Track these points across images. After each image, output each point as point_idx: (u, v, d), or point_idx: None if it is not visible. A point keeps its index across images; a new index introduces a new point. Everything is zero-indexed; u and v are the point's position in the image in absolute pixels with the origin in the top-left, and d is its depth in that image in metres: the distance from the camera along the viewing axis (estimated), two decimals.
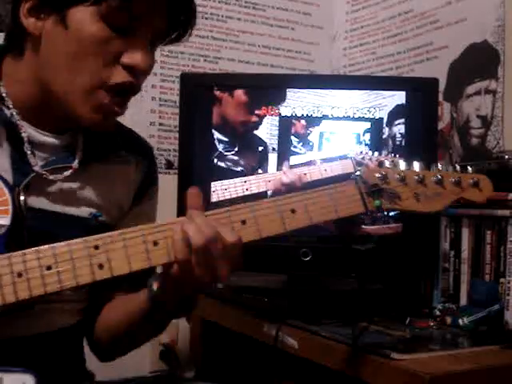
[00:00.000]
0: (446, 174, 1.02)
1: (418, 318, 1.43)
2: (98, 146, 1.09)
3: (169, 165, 2.01)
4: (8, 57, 1.03)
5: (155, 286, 0.99)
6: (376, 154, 1.52)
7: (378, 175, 1.00)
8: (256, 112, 1.53)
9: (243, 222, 0.93)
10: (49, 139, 1.03)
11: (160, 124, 2.03)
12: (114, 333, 1.11)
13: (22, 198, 0.96)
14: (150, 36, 0.98)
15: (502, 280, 1.37)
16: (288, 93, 1.54)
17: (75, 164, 1.05)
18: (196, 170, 1.55)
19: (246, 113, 1.54)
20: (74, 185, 1.05)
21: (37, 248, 0.86)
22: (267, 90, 1.56)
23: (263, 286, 1.58)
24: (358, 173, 1.00)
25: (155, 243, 0.89)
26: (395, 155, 1.52)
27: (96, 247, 0.88)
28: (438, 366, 1.11)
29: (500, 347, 1.25)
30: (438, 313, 1.45)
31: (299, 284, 1.58)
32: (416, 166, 1.02)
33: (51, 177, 1.02)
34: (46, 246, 0.87)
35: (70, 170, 1.04)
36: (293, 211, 0.95)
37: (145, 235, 0.89)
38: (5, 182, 0.94)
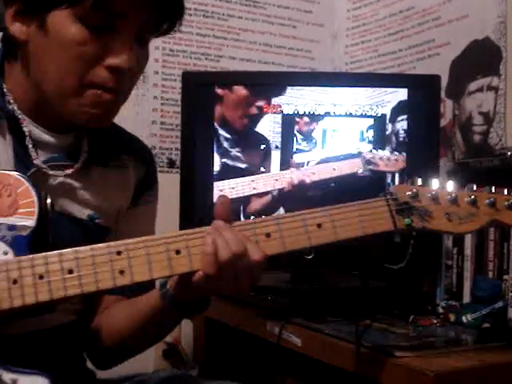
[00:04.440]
0: (480, 194, 0.99)
1: (422, 315, 1.43)
2: (101, 149, 1.09)
3: (171, 163, 2.01)
4: (7, 58, 1.04)
5: (169, 285, 0.98)
6: (387, 152, 1.51)
7: (408, 193, 0.97)
8: (257, 104, 1.53)
9: (267, 235, 0.92)
10: (50, 138, 1.03)
11: (162, 123, 2.03)
12: (121, 334, 1.09)
13: (48, 201, 0.96)
14: (135, 32, 0.96)
15: (505, 277, 1.37)
16: (291, 90, 1.54)
17: (78, 164, 1.05)
18: (198, 169, 1.55)
19: (245, 106, 1.54)
20: (74, 185, 1.05)
21: (60, 251, 0.87)
22: (269, 87, 1.57)
23: (266, 284, 1.58)
24: (389, 189, 0.98)
25: (177, 252, 0.89)
26: (399, 152, 1.52)
27: (118, 253, 0.88)
28: (442, 363, 1.11)
29: (504, 344, 1.25)
30: (441, 310, 1.44)
31: (302, 282, 1.58)
32: (450, 185, 0.99)
33: (51, 172, 1.02)
34: (69, 250, 0.87)
35: (72, 169, 1.04)
36: (319, 226, 0.93)
37: (167, 243, 0.89)
38: (32, 183, 0.94)
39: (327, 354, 1.27)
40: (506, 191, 1.01)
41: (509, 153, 1.43)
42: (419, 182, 0.99)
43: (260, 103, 1.54)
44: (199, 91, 1.56)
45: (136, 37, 0.97)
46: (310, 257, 1.50)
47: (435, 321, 1.41)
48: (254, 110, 1.54)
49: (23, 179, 0.94)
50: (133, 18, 0.95)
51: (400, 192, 0.98)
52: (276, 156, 1.54)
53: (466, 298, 1.45)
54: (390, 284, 1.56)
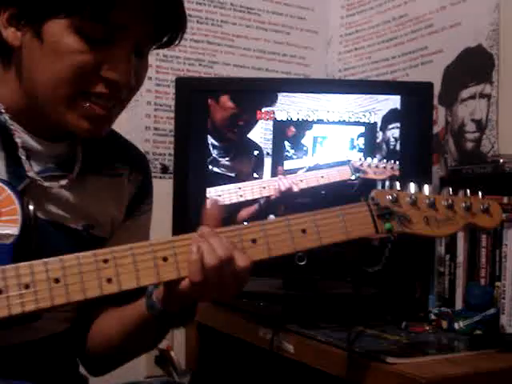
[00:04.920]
0: (456, 198, 1.02)
1: (414, 322, 1.43)
2: (96, 157, 1.08)
3: (164, 169, 2.01)
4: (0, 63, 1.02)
5: (155, 296, 0.97)
6: (375, 160, 1.51)
7: (389, 197, 0.99)
8: (244, 116, 1.53)
9: (253, 241, 0.92)
10: (43, 147, 1.02)
11: (155, 128, 2.02)
12: (110, 342, 1.09)
13: (31, 207, 0.95)
14: (134, 44, 0.95)
15: (497, 284, 1.37)
16: (283, 97, 1.54)
17: (74, 174, 1.03)
18: (191, 175, 1.55)
19: (232, 118, 1.54)
20: (69, 195, 1.04)
21: (45, 260, 0.85)
22: (261, 93, 1.57)
23: (259, 290, 1.57)
24: (371, 194, 0.99)
25: (164, 259, 0.89)
26: (389, 160, 1.52)
27: (105, 261, 0.87)
28: (434, 370, 1.11)
29: (496, 351, 1.25)
30: (433, 317, 1.45)
31: (295, 288, 1.58)
32: (426, 188, 1.01)
33: (46, 184, 1.00)
34: (55, 258, 0.85)
35: (66, 180, 1.02)
36: (303, 231, 0.95)
37: (154, 251, 0.89)
38: (14, 190, 0.93)
39: (319, 360, 1.27)
40: (480, 194, 1.04)
41: (501, 160, 1.43)
42: (397, 186, 1.01)
43: (248, 116, 1.54)
44: (193, 97, 1.56)
45: (135, 48, 0.96)
46: (303, 263, 1.50)
47: (427, 327, 1.41)
48: (241, 122, 1.54)
49: (5, 186, 0.92)
50: (132, 30, 0.93)
51: (381, 196, 0.99)
52: (268, 163, 1.54)
53: (459, 305, 1.45)
54: (382, 290, 1.56)
